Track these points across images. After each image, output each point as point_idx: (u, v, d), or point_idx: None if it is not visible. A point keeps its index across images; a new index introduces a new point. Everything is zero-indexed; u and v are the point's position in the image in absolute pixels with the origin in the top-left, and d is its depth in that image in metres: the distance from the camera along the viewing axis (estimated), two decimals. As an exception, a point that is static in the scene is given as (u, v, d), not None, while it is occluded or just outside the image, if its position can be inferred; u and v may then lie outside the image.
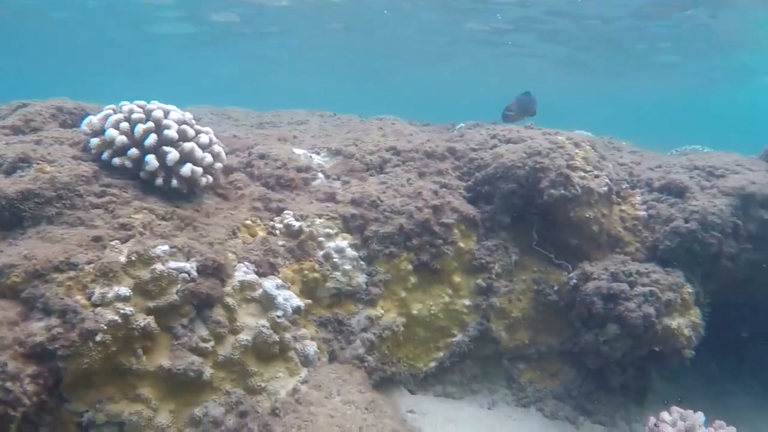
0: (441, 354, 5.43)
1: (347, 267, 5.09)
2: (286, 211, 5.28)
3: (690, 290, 5.38)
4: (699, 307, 5.61)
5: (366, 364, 4.93)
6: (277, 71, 42.33)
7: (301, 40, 28.57)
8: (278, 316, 4.44)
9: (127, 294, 3.84)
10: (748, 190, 5.68)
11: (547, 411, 5.49)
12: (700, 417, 4.82)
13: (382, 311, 5.15)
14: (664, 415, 4.85)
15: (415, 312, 5.31)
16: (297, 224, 5.12)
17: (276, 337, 4.40)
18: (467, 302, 5.49)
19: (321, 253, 5.10)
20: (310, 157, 6.12)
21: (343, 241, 5.17)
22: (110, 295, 3.81)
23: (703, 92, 37.35)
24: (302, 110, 9.67)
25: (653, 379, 5.63)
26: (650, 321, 5.05)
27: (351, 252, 5.16)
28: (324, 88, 50.49)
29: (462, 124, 7.89)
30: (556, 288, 5.56)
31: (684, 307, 5.33)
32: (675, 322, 5.23)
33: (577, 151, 5.76)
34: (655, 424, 4.84)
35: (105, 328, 3.66)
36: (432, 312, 5.36)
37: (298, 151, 6.12)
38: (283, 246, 5.05)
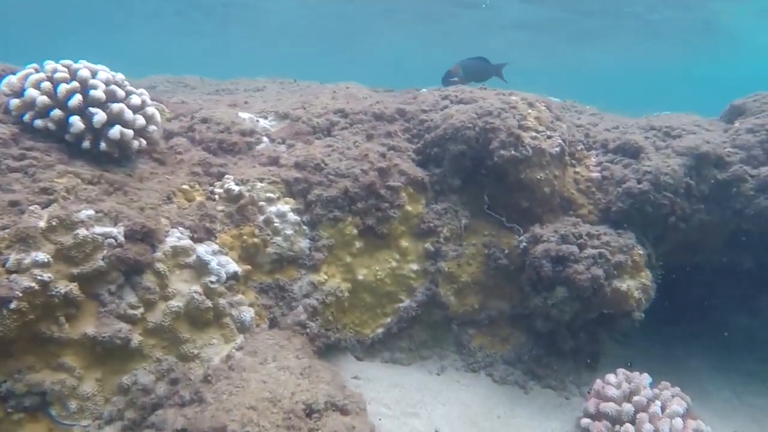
0: (388, 320, 5.33)
1: (289, 232, 4.95)
2: (227, 176, 5.12)
3: (641, 252, 5.30)
4: (651, 269, 5.54)
5: (308, 330, 4.82)
6: (245, 42, 41.53)
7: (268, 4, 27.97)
8: (212, 282, 4.31)
9: (46, 260, 3.68)
10: (702, 150, 5.58)
11: (497, 376, 5.44)
12: (645, 379, 4.78)
13: (326, 277, 5.03)
14: (610, 377, 4.81)
15: (360, 277, 5.19)
16: (237, 189, 4.96)
17: (209, 304, 4.27)
18: (415, 267, 5.38)
19: (261, 218, 4.95)
20: (257, 121, 5.92)
21: (285, 206, 5.02)
22: (27, 261, 3.65)
23: (686, 60, 37.15)
24: (263, 78, 9.42)
25: (604, 343, 5.58)
26: (599, 283, 4.97)
27: (293, 216, 5.02)
28: (292, 58, 49.65)
29: (424, 90, 7.70)
30: (506, 252, 5.46)
31: (635, 270, 5.26)
32: (625, 284, 5.16)
33: (530, 111, 5.61)
34: (602, 387, 4.80)
35: (20, 295, 3.51)
36: (378, 277, 5.25)
37: (243, 115, 5.92)
38: (222, 211, 4.90)
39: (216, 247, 4.66)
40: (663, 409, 4.51)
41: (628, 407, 4.45)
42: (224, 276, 4.39)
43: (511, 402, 5.21)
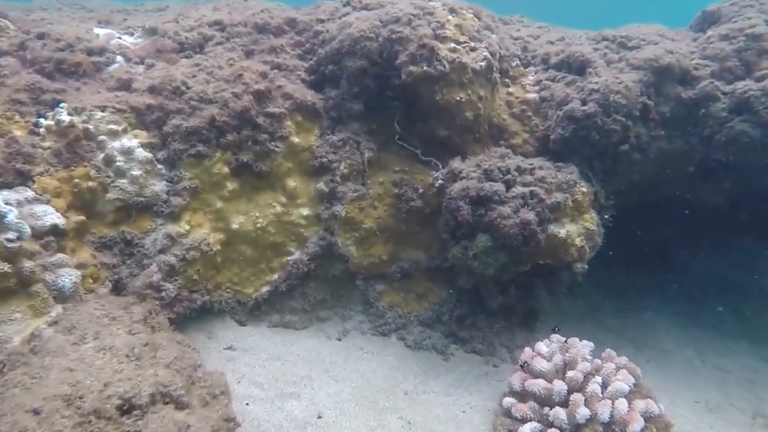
0: (275, 276, 4.36)
1: (136, 173, 3.90)
2: (62, 104, 4.01)
3: (585, 190, 4.30)
4: (599, 210, 4.56)
5: (163, 294, 3.83)
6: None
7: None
8: (9, 240, 3.27)
9: None
10: (663, 62, 4.50)
11: (411, 340, 4.51)
12: (585, 348, 3.85)
13: (188, 227, 4.02)
14: (540, 346, 3.88)
15: (236, 226, 4.18)
16: (68, 119, 3.87)
17: (7, 268, 3.25)
18: (306, 212, 4.37)
19: (101, 155, 3.89)
20: (118, 38, 4.76)
21: (132, 140, 3.95)
22: None
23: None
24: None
25: (543, 300, 4.62)
26: (530, 230, 3.98)
27: (142, 153, 3.95)
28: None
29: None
30: (421, 191, 4.44)
31: (577, 211, 4.26)
32: (564, 230, 4.18)
33: (450, 17, 4.48)
34: (531, 358, 3.87)
35: None
36: (260, 226, 4.24)
37: (100, 31, 4.75)
38: (48, 149, 3.82)
39: (30, 194, 3.62)
40: (605, 385, 3.59)
41: (559, 386, 3.54)
42: (28, 232, 3.35)
43: (425, 372, 4.29)
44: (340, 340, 4.50)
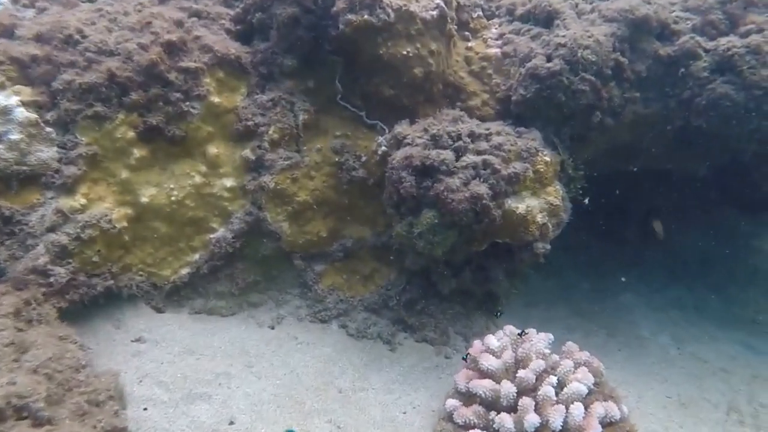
0: (196, 256, 3.81)
1: (15, 137, 3.29)
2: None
3: (548, 159, 3.75)
4: (568, 182, 4.02)
5: (52, 279, 3.27)
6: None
7: None
8: None
9: None
10: (640, 13, 3.92)
11: (353, 328, 4.00)
12: (542, 341, 3.35)
13: (85, 201, 3.44)
14: (490, 340, 3.37)
15: (146, 200, 3.61)
16: (-68, 72, 3.24)
17: None
18: (230, 183, 3.80)
19: (-26, 115, 3.27)
20: (16, -23, 4.07)
21: (10, 97, 3.33)
22: None
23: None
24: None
25: (501, 282, 4.10)
26: (482, 205, 3.44)
27: (24, 113, 3.35)
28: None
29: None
30: (364, 159, 3.87)
31: (538, 184, 3.72)
32: (523, 205, 3.65)
33: (398, -43, 3.82)
34: (479, 353, 3.37)
35: None
36: (176, 199, 3.68)
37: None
38: None
39: None
40: (561, 386, 3.10)
41: (508, 388, 3.04)
42: None
43: (367, 366, 3.80)
44: (273, 328, 3.99)
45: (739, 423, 3.61)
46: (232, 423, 3.14)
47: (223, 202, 3.79)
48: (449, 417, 3.20)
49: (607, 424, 3.05)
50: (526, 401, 2.95)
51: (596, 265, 5.58)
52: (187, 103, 3.61)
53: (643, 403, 3.67)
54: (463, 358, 3.41)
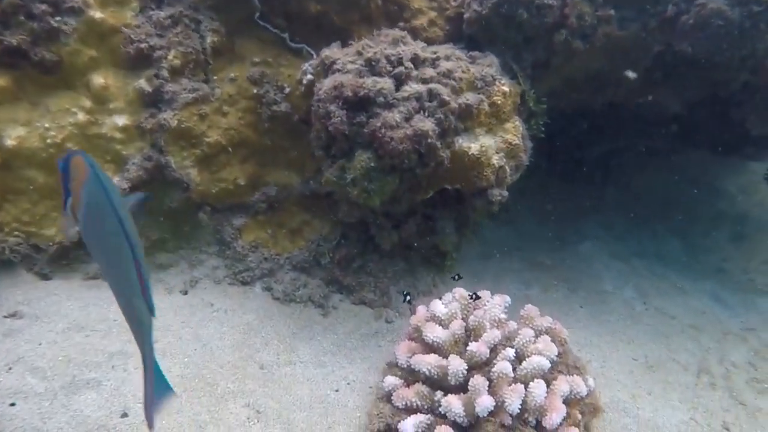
0: (83, 213, 3.08)
1: None
2: None
3: (507, 89, 3.16)
4: (528, 117, 3.47)
5: None
6: None
7: None
8: None
9: None
10: None
11: (280, 290, 3.43)
12: (497, 306, 2.85)
13: (-74, 144, 2.68)
14: (436, 306, 2.84)
15: (12, 142, 2.89)
16: None
17: None
18: (123, 121, 3.08)
19: None
20: None
21: None
22: None
23: None
24: None
25: (451, 235, 3.57)
26: (428, 144, 2.85)
27: None
28: None
29: None
30: (288, 90, 3.20)
31: (495, 119, 3.15)
32: (477, 144, 3.08)
33: None
34: (423, 322, 2.84)
35: None
36: (53, 141, 2.97)
37: None
38: None
39: None
40: (520, 359, 2.62)
41: (457, 365, 2.52)
42: None
43: (295, 335, 3.26)
44: (185, 293, 3.39)
45: (710, 386, 3.24)
46: (125, 415, 2.56)
47: (116, 144, 3.09)
48: (387, 397, 2.69)
49: (571, 401, 2.59)
50: (478, 381, 2.45)
51: (554, 210, 5.12)
52: (58, 18, 2.84)
53: (608, 368, 3.26)
54: (406, 299, 2.89)
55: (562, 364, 2.76)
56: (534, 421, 2.53)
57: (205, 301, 3.35)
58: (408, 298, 3.14)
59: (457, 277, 3.14)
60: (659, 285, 4.21)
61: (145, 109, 3.12)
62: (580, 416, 2.59)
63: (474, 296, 2.94)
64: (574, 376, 2.65)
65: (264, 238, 3.47)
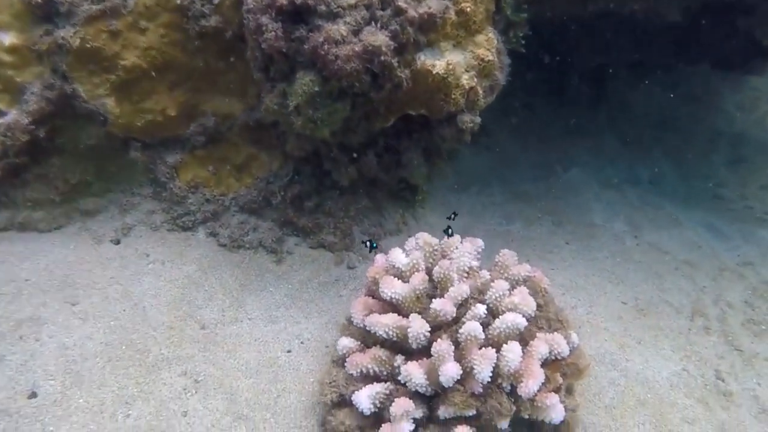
0: (-20, 154, 2.62)
1: None
2: None
3: (480, -7, 2.62)
4: (506, 28, 2.96)
5: None
6: None
7: None
8: None
9: None
10: None
11: (225, 235, 3.02)
12: (467, 254, 2.44)
13: None
14: (396, 255, 2.44)
15: None
16: None
17: None
18: (12, 40, 2.55)
19: None
20: None
21: None
22: None
23: None
24: None
25: (419, 168, 3.13)
26: (383, 63, 2.36)
27: None
28: None
29: None
30: (216, 0, 2.64)
31: (464, 30, 2.65)
32: (442, 61, 2.60)
33: None
34: (381, 274, 2.45)
35: None
36: (-72, 69, 2.40)
37: None
38: None
39: None
40: (494, 314, 2.25)
41: (418, 327, 2.15)
42: None
43: (243, 287, 2.89)
44: (117, 243, 2.97)
45: (704, 330, 2.92)
46: (33, 395, 2.20)
47: (6, 70, 2.57)
48: (342, 362, 2.33)
49: (551, 363, 2.24)
50: (442, 347, 2.08)
51: (539, 133, 4.65)
52: None
53: (595, 314, 2.92)
54: (370, 245, 2.49)
55: (542, 319, 2.40)
56: (509, 387, 2.19)
57: (139, 251, 2.94)
58: (371, 245, 2.72)
59: (453, 216, 2.70)
60: (652, 216, 3.83)
61: (37, 24, 2.56)
62: (561, 380, 2.24)
63: (448, 230, 2.53)
64: (555, 333, 2.29)
65: (204, 176, 3.02)
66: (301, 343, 2.64)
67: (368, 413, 2.14)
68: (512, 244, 3.47)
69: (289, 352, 2.59)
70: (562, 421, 2.19)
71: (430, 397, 2.20)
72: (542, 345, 2.21)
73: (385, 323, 2.22)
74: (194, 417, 2.24)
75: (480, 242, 2.54)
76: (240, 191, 3.07)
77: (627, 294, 3.12)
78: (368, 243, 2.55)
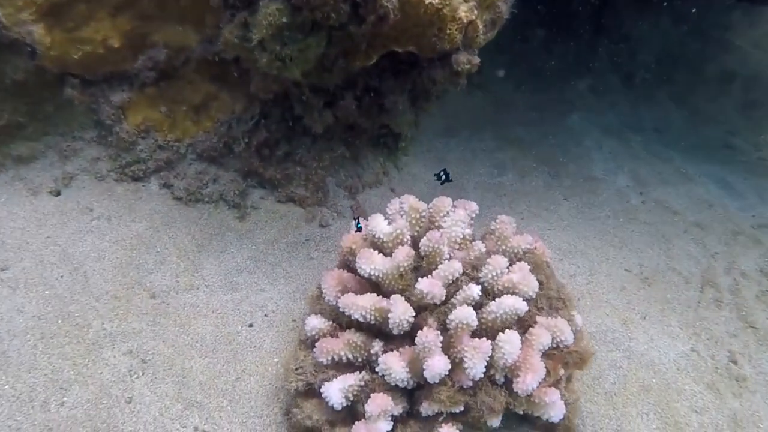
0: None
1: None
2: None
3: None
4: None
5: None
6: None
7: None
8: None
9: None
10: None
11: (181, 187, 2.65)
12: (461, 222, 2.10)
13: None
14: (376, 223, 2.10)
15: None
16: None
17: None
18: None
19: None
20: None
21: None
22: None
23: None
24: None
25: (404, 113, 2.73)
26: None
27: None
28: None
29: None
30: None
31: (464, -50, 2.17)
32: (436, -13, 2.13)
33: None
34: (360, 243, 2.11)
35: None
36: None
37: None
38: None
39: None
40: (490, 294, 1.93)
41: (401, 312, 1.84)
42: None
43: (201, 248, 2.55)
44: (57, 194, 2.56)
45: (715, 303, 2.65)
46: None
47: None
48: (311, 343, 2.01)
49: (552, 353, 1.95)
50: (428, 338, 1.77)
51: (537, 72, 4.22)
52: None
53: (596, 284, 2.63)
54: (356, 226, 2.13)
55: (543, 297, 2.09)
56: (503, 379, 1.90)
57: (81, 205, 2.56)
58: (357, 225, 2.31)
59: (443, 176, 2.25)
60: (659, 169, 3.50)
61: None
62: (562, 371, 1.96)
63: (442, 175, 2.15)
64: (558, 318, 1.98)
65: (156, 118, 2.60)
66: (265, 315, 2.32)
67: (339, 408, 1.85)
68: (504, 198, 3.14)
69: (250, 326, 2.27)
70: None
71: (412, 390, 1.91)
72: (544, 334, 1.91)
73: (362, 306, 1.89)
74: (140, 404, 1.94)
75: (474, 206, 2.19)
76: (198, 136, 2.66)
77: (631, 260, 2.82)
78: (356, 222, 2.15)
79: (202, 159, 2.68)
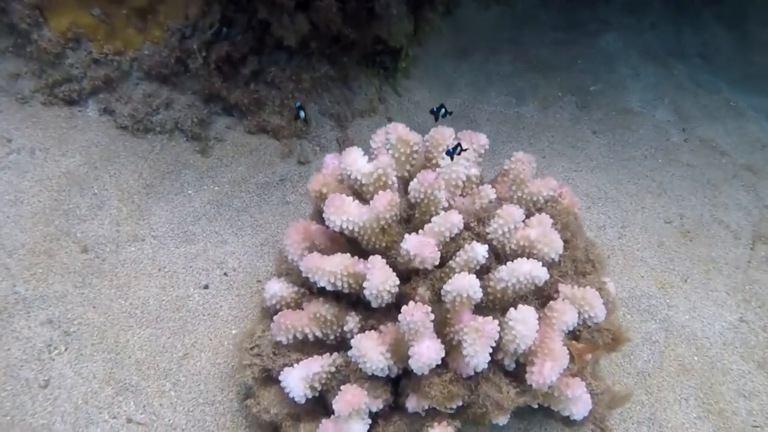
0: None
1: None
2: None
3: None
4: None
5: None
6: None
7: None
8: None
9: None
10: None
11: (126, 113, 2.18)
12: (461, 164, 1.59)
13: None
14: (353, 159, 1.59)
15: None
16: None
17: None
18: None
19: None
20: None
21: None
22: None
23: None
24: None
25: (400, 21, 2.19)
26: None
27: None
28: None
29: None
30: None
31: None
32: None
33: None
34: (335, 182, 1.62)
35: None
36: None
37: None
38: None
39: None
40: (499, 254, 1.48)
41: (376, 282, 1.37)
42: None
43: (150, 188, 2.11)
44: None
45: (767, 263, 2.17)
46: None
47: None
48: (272, 315, 1.58)
49: (578, 333, 1.51)
50: (416, 317, 1.32)
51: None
52: None
53: (629, 238, 2.17)
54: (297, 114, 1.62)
55: (568, 259, 1.63)
56: (513, 365, 1.47)
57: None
58: (298, 112, 1.80)
59: (442, 112, 1.63)
60: (705, 102, 2.96)
61: None
62: (589, 356, 1.52)
63: (441, 110, 1.62)
64: (586, 288, 1.53)
65: (89, 24, 2.08)
66: (225, 274, 1.88)
67: (303, 401, 1.43)
68: (523, 132, 2.64)
69: (206, 287, 1.84)
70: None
71: (398, 377, 1.48)
72: (568, 310, 1.46)
73: (329, 270, 1.44)
74: (58, 389, 1.54)
75: (483, 139, 1.71)
76: (143, 49, 2.15)
77: (671, 210, 2.34)
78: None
79: (151, 78, 2.17)
